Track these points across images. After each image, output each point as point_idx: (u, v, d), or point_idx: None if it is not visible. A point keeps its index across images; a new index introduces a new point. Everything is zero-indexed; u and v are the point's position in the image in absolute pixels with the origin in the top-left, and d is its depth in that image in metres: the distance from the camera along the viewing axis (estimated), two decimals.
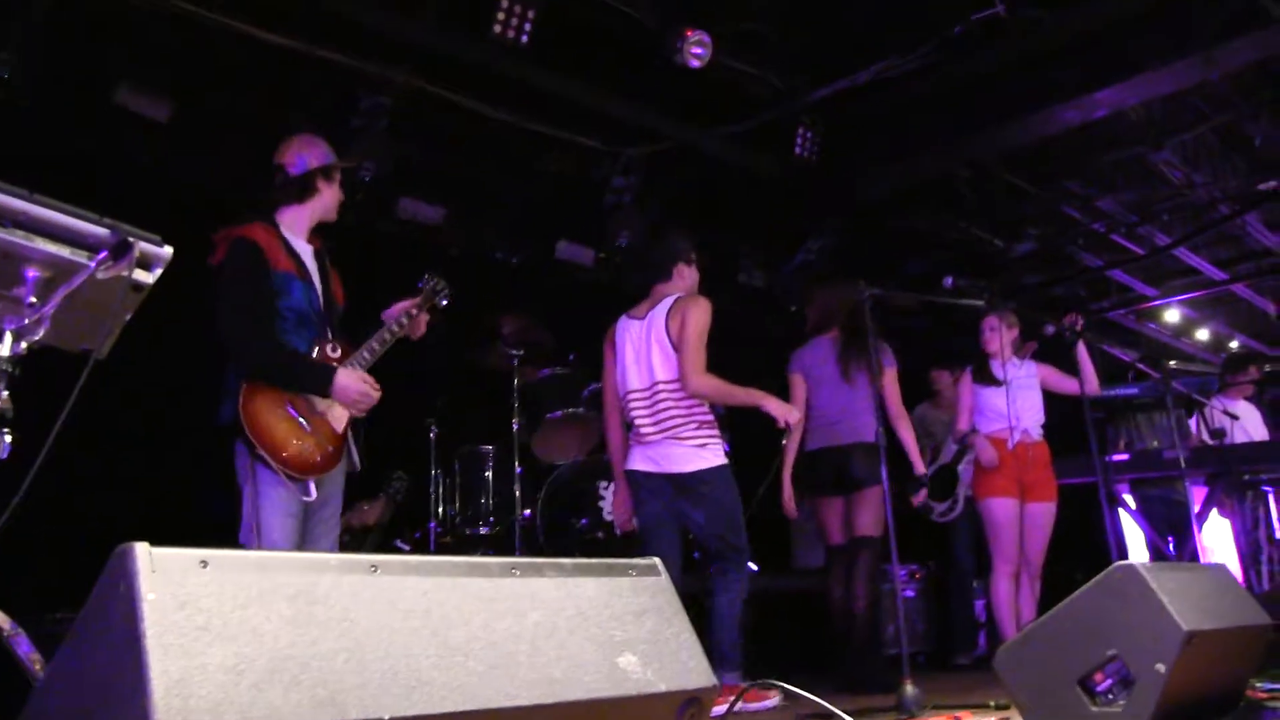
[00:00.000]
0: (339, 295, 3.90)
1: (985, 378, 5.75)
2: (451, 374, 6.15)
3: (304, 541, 3.52)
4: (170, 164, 5.56)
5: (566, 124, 6.34)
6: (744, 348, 8.69)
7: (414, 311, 3.86)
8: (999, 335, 5.76)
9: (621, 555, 1.97)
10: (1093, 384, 5.73)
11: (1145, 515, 7.22)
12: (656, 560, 1.89)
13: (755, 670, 4.35)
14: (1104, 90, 6.12)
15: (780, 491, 5.47)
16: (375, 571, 1.55)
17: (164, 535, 1.45)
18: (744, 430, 6.36)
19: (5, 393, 2.17)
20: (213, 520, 3.62)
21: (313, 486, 3.44)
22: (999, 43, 5.93)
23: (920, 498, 6.33)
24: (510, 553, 5.58)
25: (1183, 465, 6.17)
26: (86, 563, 1.96)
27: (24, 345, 2.24)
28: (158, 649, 1.28)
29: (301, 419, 3.46)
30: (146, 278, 2.29)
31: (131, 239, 2.22)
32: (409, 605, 1.53)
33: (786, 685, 2.37)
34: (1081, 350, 5.63)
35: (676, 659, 1.75)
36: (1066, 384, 5.85)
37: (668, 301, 4.58)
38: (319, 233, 3.91)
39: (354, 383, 3.54)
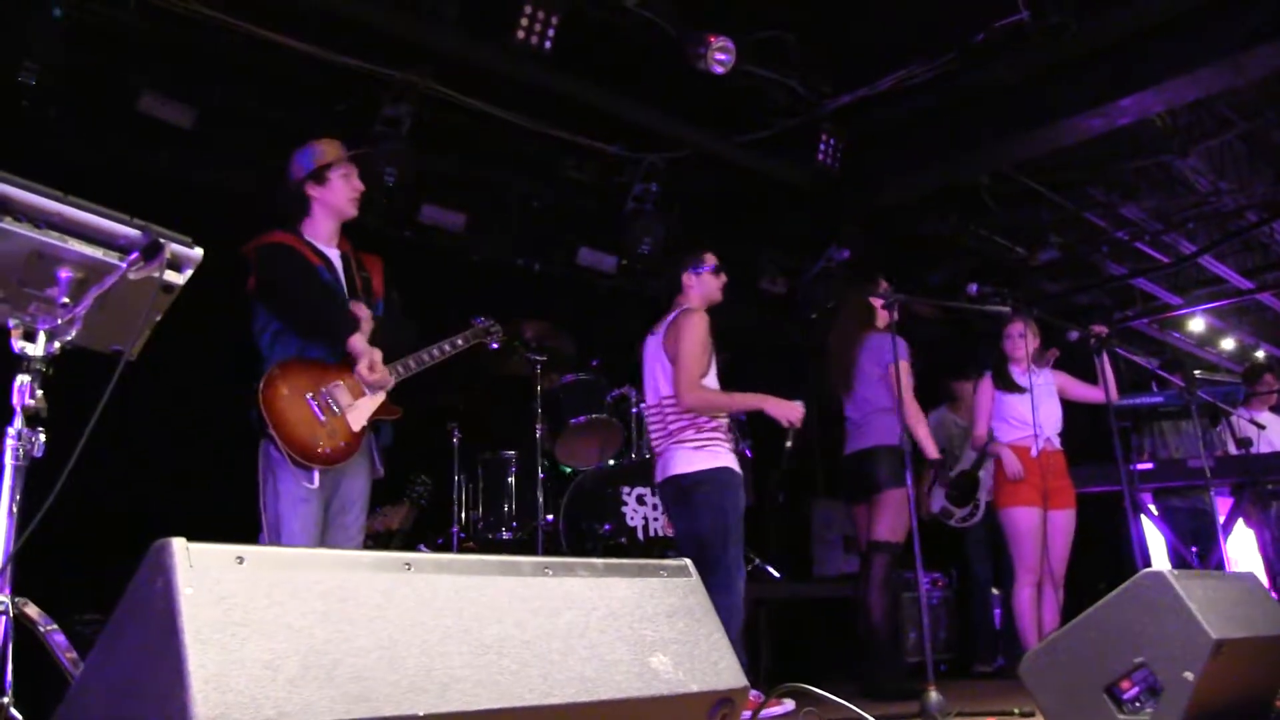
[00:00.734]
0: (379, 288, 3.93)
1: (1007, 384, 5.72)
2: (474, 379, 6.16)
3: (325, 546, 3.56)
4: (194, 170, 5.60)
5: (588, 130, 6.36)
6: (764, 354, 8.71)
7: (460, 344, 3.91)
8: (1025, 341, 5.73)
9: None
10: (1113, 394, 5.71)
11: (1169, 524, 7.17)
12: (687, 561, 1.90)
13: (778, 678, 4.34)
14: (1129, 97, 6.08)
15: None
16: (409, 569, 1.55)
17: (196, 536, 1.46)
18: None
19: (40, 392, 2.20)
20: (246, 521, 3.64)
21: (316, 476, 3.48)
22: (1022, 49, 5.91)
23: (938, 500, 6.31)
24: None
25: (1208, 475, 6.12)
26: (117, 564, 1.98)
27: (56, 345, 2.27)
28: (196, 643, 1.29)
29: (319, 412, 3.52)
30: (177, 279, 2.31)
31: (163, 240, 2.24)
32: (442, 603, 1.54)
33: (813, 689, 2.36)
34: (1104, 359, 5.60)
35: (708, 660, 1.75)
36: (1084, 392, 5.84)
37: (671, 316, 4.62)
38: (350, 237, 3.95)
39: (366, 348, 3.59)
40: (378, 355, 3.65)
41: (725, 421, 4.51)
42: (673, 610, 1.78)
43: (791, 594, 7.14)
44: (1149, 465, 6.88)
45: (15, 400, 2.20)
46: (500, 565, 1.65)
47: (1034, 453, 5.56)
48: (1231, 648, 2.79)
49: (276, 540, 3.46)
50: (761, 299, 8.22)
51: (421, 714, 1.40)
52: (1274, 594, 6.37)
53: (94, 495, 4.65)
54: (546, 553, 5.67)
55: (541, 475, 5.76)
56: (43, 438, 2.22)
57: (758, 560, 6.75)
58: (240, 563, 1.40)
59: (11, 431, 2.19)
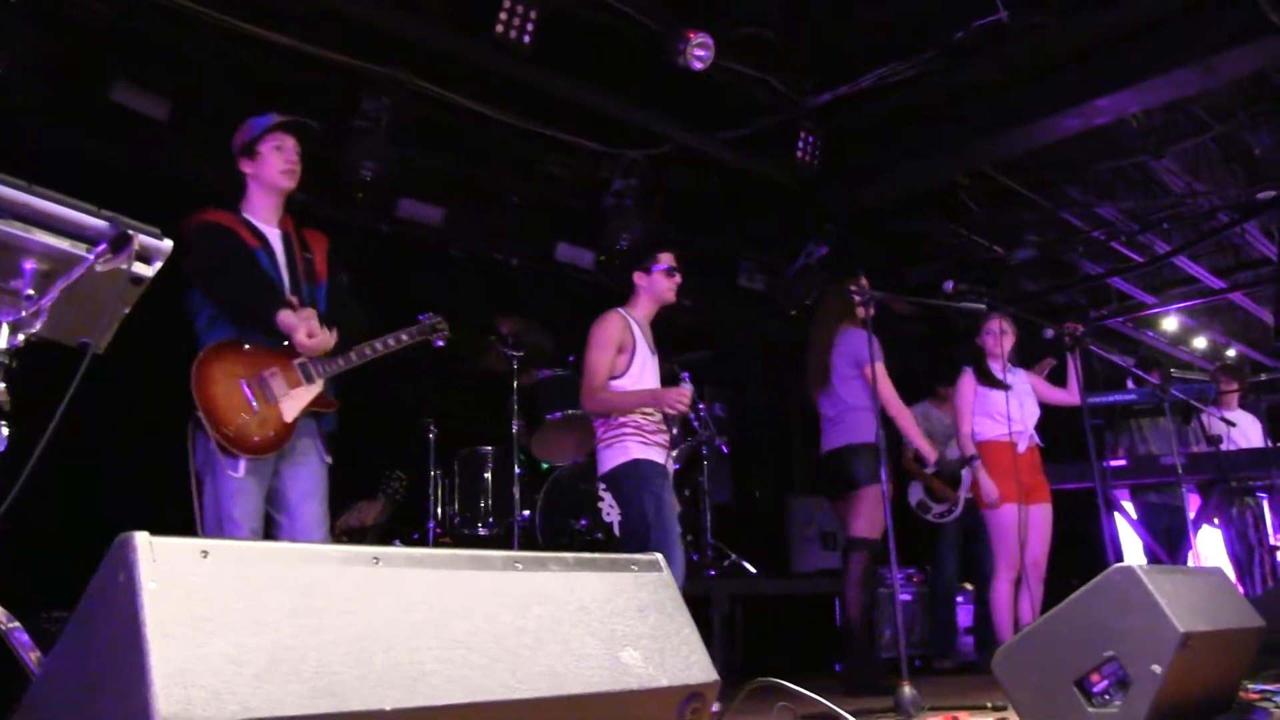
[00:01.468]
0: (321, 269, 3.85)
1: (989, 379, 5.73)
2: (450, 374, 6.14)
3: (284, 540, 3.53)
4: (168, 163, 5.56)
5: (568, 125, 6.34)
6: (744, 351, 8.74)
7: (404, 339, 3.85)
8: (1004, 338, 5.76)
9: None
10: (1075, 394, 5.76)
11: (1144, 521, 7.23)
12: (659, 556, 1.89)
13: (754, 673, 4.34)
14: (1105, 97, 6.12)
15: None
16: (377, 564, 1.55)
17: (166, 532, 1.44)
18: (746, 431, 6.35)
19: (3, 385, 2.17)
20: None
21: (242, 465, 3.42)
22: (1001, 49, 5.92)
23: (915, 493, 6.31)
24: None
25: (1179, 471, 6.18)
26: (84, 559, 1.96)
27: (21, 338, 2.24)
28: (159, 638, 1.28)
29: (252, 398, 3.46)
30: (146, 271, 2.28)
31: (131, 232, 2.21)
32: (411, 598, 1.53)
33: (787, 684, 2.36)
34: (1073, 360, 5.65)
35: (679, 654, 1.75)
36: (1055, 395, 5.89)
37: None
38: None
39: (297, 318, 3.53)
40: (313, 319, 3.58)
41: (640, 419, 4.38)
42: (644, 605, 1.78)
43: (769, 590, 7.16)
44: (1122, 462, 6.95)
45: None
46: (470, 560, 1.65)
47: (1021, 448, 5.59)
48: (1198, 641, 2.81)
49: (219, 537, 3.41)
50: (741, 296, 8.24)
51: (389, 708, 1.39)
52: (1241, 589, 6.44)
53: (62, 490, 4.63)
54: (523, 548, 5.66)
55: (518, 471, 5.76)
56: (5, 431, 2.19)
57: (734, 556, 6.76)
58: (205, 556, 1.39)
59: None
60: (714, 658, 3.99)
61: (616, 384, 4.41)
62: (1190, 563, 6.45)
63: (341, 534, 5.53)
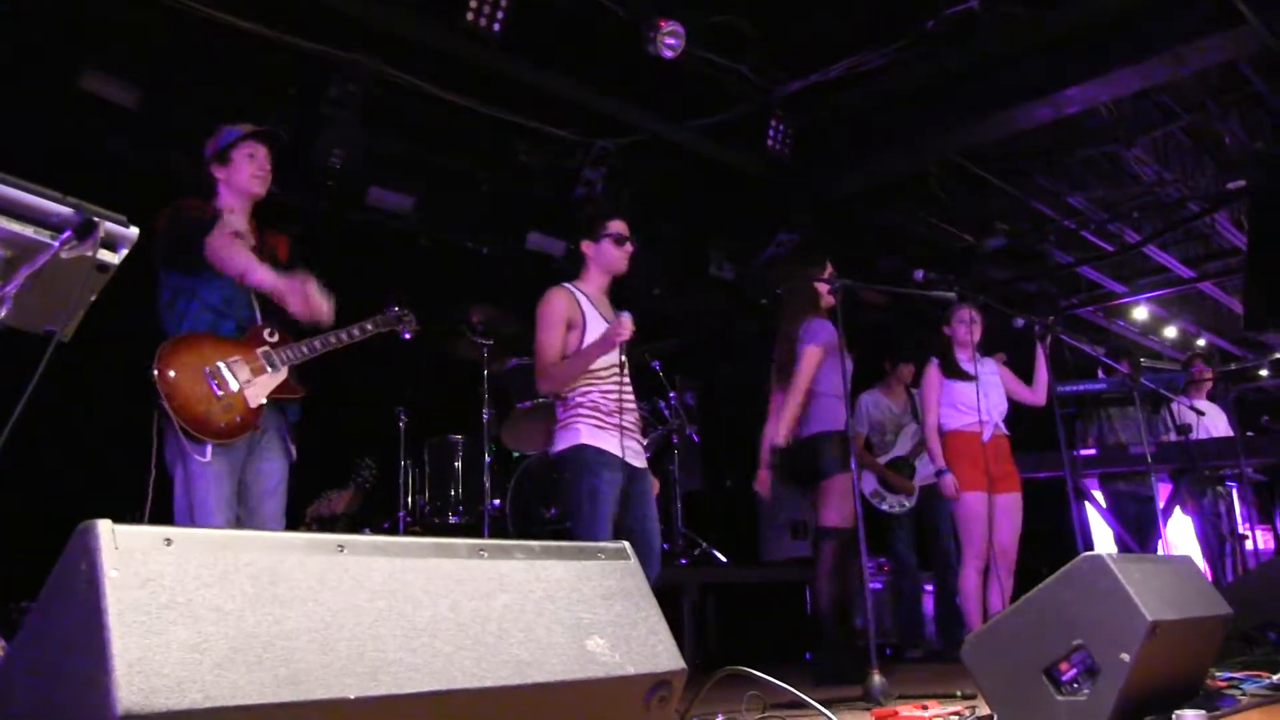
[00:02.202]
0: (282, 256, 3.85)
1: (954, 372, 5.75)
2: (421, 363, 6.12)
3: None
4: (138, 152, 5.50)
5: (538, 114, 6.32)
6: (713, 339, 8.74)
7: (369, 328, 3.83)
8: (974, 327, 5.79)
9: None
10: (1041, 389, 5.81)
11: (1116, 510, 7.29)
12: (625, 544, 1.89)
13: (724, 662, 4.34)
14: (1075, 86, 6.16)
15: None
16: (342, 551, 1.53)
17: (133, 521, 1.42)
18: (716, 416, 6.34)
19: None
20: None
21: (209, 450, 3.42)
22: (973, 38, 5.94)
23: (869, 482, 6.29)
24: None
25: (1149, 460, 6.23)
26: (52, 549, 1.93)
27: None
28: (120, 627, 1.26)
29: (215, 385, 3.46)
30: (112, 258, 2.25)
31: (96, 219, 2.18)
32: (375, 585, 1.52)
33: (754, 672, 2.37)
34: (1041, 351, 5.68)
35: (645, 643, 1.74)
36: (1022, 392, 5.94)
37: None
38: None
39: (271, 278, 3.55)
40: (310, 287, 3.58)
41: (597, 398, 4.16)
42: (610, 593, 1.77)
43: (738, 578, 7.18)
44: (1092, 451, 7.00)
45: None
46: (435, 548, 1.64)
47: (986, 438, 5.62)
48: (1166, 629, 2.83)
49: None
50: (711, 285, 8.23)
51: (352, 696, 1.39)
52: (1210, 577, 6.51)
53: (29, 479, 4.57)
54: (493, 537, 5.64)
55: (488, 460, 5.74)
56: None
57: (705, 544, 6.77)
58: (169, 544, 1.38)
59: None
60: (684, 647, 4.00)
61: None
62: (1160, 551, 6.51)
63: (312, 522, 5.50)
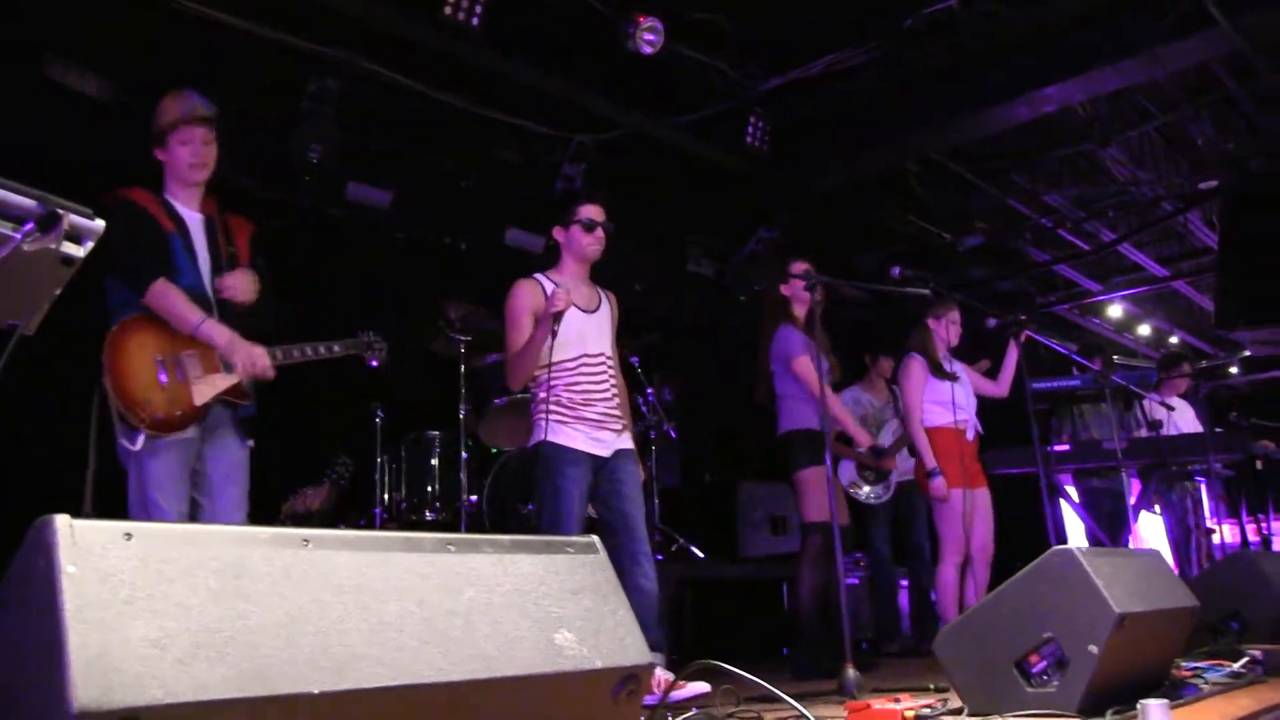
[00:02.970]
0: (243, 255, 3.80)
1: (938, 370, 5.78)
2: (398, 359, 6.10)
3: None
4: (106, 143, 5.44)
5: (517, 109, 6.30)
6: (692, 336, 8.74)
7: (336, 350, 3.81)
8: (955, 328, 5.84)
9: None
10: (1005, 383, 5.84)
11: (1090, 506, 7.34)
12: (594, 538, 1.89)
13: (700, 657, 4.34)
14: (1053, 86, 6.19)
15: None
16: (308, 546, 1.52)
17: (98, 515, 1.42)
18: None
19: None
20: None
21: (140, 440, 3.36)
22: (951, 36, 5.96)
23: (847, 473, 6.33)
24: None
25: (1120, 456, 6.27)
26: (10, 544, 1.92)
27: None
28: (77, 623, 1.25)
29: (164, 374, 3.41)
30: (76, 251, 2.23)
31: (60, 210, 2.16)
32: (341, 580, 1.51)
33: (727, 666, 2.37)
34: (1012, 349, 5.72)
35: (614, 636, 1.74)
36: (988, 387, 5.98)
37: None
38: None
39: (226, 336, 3.49)
40: (257, 352, 3.55)
41: (561, 392, 4.12)
42: (579, 587, 1.77)
43: (716, 574, 7.19)
44: (1065, 447, 7.05)
45: None
46: (402, 541, 1.63)
47: (969, 436, 5.67)
48: (1133, 621, 2.86)
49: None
50: (690, 281, 8.24)
51: (317, 691, 1.38)
52: (1178, 570, 6.57)
53: None
54: (470, 533, 5.63)
55: (465, 456, 5.73)
56: None
57: (682, 540, 6.78)
58: (129, 539, 1.37)
59: None
60: (661, 635, 3.98)
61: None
62: (1130, 545, 6.56)
63: (287, 519, 5.48)
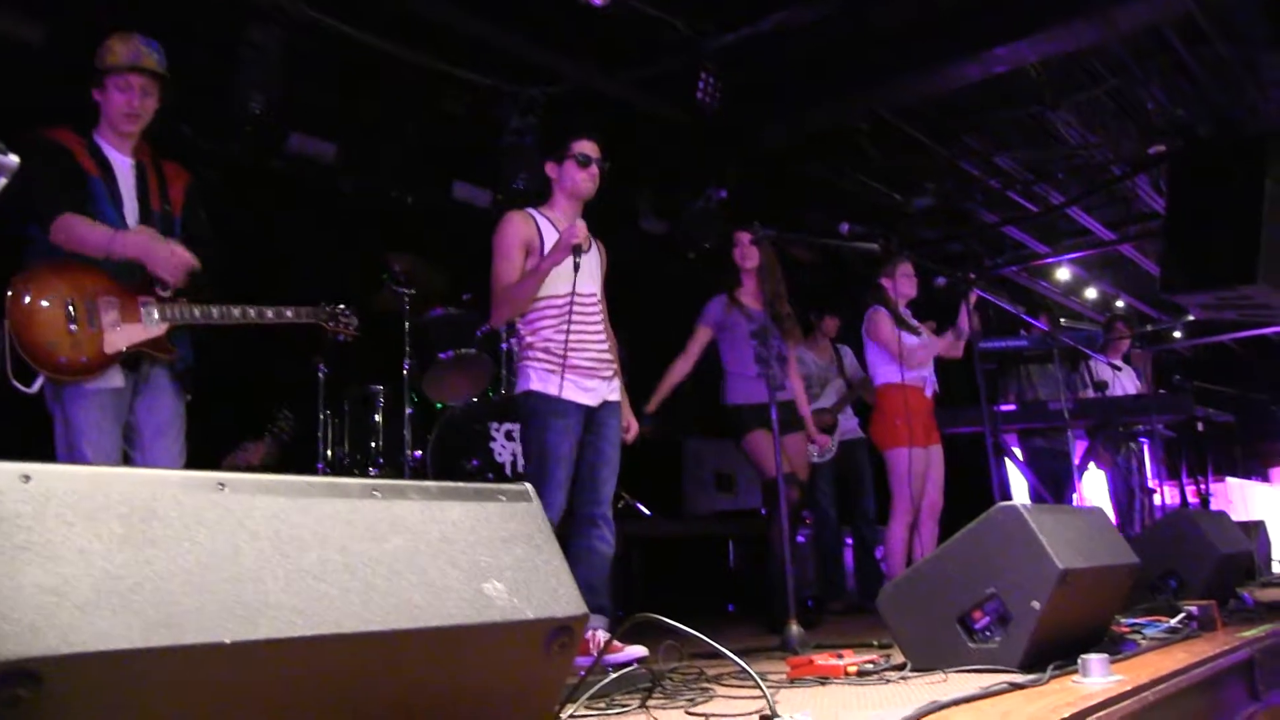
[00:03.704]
0: (177, 202, 3.69)
1: (903, 324, 5.78)
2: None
3: None
4: (43, 91, 5.25)
5: (465, 61, 6.17)
6: (643, 292, 8.67)
7: (289, 316, 3.69)
8: (912, 281, 5.84)
9: None
10: (963, 333, 5.85)
11: (1033, 466, 7.41)
12: (528, 486, 1.83)
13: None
14: (1004, 46, 6.18)
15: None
16: (223, 490, 1.45)
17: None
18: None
19: None
20: None
21: (38, 384, 3.25)
22: None
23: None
24: None
25: (1066, 416, 6.32)
26: None
27: None
28: None
29: (73, 322, 3.28)
30: None
31: None
32: (257, 526, 1.44)
33: (669, 621, 2.33)
34: (965, 307, 5.74)
35: (546, 587, 1.69)
36: (942, 346, 5.99)
37: None
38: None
39: (143, 244, 3.37)
40: (178, 250, 3.41)
41: (550, 336, 4.01)
42: (511, 536, 1.71)
43: (663, 531, 7.17)
44: (1012, 407, 7.10)
45: None
46: (325, 487, 1.56)
47: (928, 393, 5.68)
48: (1075, 577, 2.87)
49: None
50: (640, 238, 8.16)
51: (229, 641, 1.31)
52: (1125, 527, 6.66)
53: None
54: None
55: (409, 411, 5.65)
56: None
57: (628, 498, 6.75)
58: (26, 481, 1.28)
59: None
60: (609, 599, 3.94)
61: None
62: (1074, 504, 6.63)
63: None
